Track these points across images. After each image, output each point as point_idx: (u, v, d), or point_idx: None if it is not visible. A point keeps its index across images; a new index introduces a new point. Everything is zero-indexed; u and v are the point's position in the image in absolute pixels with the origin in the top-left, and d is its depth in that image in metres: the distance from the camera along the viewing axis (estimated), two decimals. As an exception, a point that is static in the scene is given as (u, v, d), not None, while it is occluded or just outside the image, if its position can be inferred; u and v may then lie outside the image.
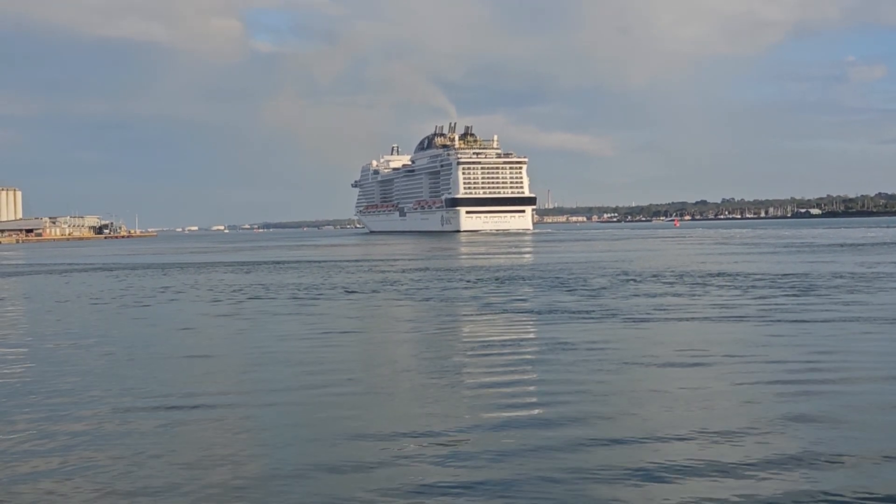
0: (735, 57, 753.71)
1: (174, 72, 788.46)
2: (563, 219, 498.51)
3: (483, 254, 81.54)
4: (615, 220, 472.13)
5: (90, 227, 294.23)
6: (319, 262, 71.22)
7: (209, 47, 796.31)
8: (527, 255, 76.91)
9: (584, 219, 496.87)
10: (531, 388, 16.08)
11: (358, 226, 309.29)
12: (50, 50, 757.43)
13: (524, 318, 27.09)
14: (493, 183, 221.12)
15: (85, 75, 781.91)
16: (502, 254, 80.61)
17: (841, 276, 39.89)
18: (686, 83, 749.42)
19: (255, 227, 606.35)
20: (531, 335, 23.31)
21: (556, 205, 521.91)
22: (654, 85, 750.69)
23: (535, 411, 14.03)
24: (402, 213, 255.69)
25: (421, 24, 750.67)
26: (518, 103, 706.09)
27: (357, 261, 72.04)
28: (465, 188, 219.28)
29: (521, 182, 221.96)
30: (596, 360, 18.56)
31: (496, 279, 43.81)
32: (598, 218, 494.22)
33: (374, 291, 38.53)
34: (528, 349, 20.70)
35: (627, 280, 41.00)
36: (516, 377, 17.15)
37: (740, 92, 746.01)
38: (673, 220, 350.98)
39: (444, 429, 13.00)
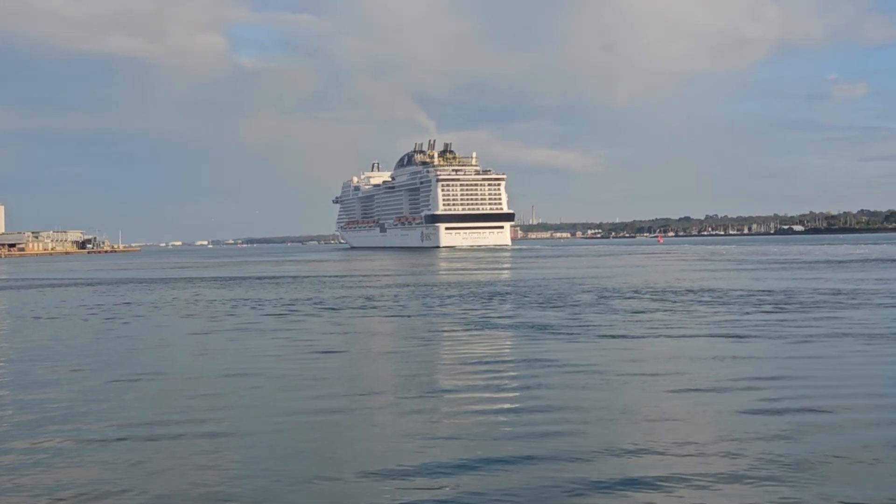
0: (718, 74, 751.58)
1: (158, 87, 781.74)
2: (546, 234, 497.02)
3: (463, 270, 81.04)
4: (599, 235, 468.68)
5: (73, 242, 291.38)
6: (301, 277, 70.42)
7: (193, 63, 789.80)
8: (508, 272, 76.45)
9: (568, 235, 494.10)
10: (511, 412, 15.40)
11: (341, 241, 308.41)
12: (33, 64, 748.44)
13: (504, 335, 26.50)
14: (471, 199, 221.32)
15: (69, 90, 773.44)
16: (483, 269, 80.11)
17: (834, 293, 39.59)
18: (670, 100, 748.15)
19: (239, 242, 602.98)
20: (511, 353, 22.69)
21: (539, 221, 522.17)
22: (638, 102, 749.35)
23: (517, 437, 13.37)
24: (383, 229, 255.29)
25: (406, 41, 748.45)
26: (502, 119, 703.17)
27: (339, 276, 71.31)
28: (444, 204, 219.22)
29: (500, 198, 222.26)
30: (575, 380, 18.00)
31: (475, 295, 43.23)
32: (582, 234, 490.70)
33: (354, 308, 37.83)
34: (508, 368, 20.02)
35: (609, 297, 40.53)
36: (495, 399, 16.55)
37: (724, 109, 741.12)
38: (657, 237, 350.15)
39: (427, 455, 12.38)
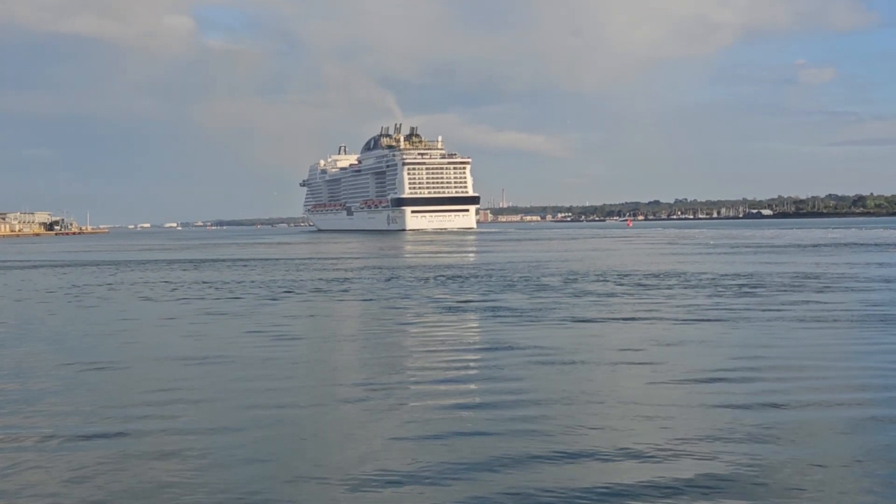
0: (687, 59, 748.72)
1: (126, 68, 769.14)
2: (517, 218, 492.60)
3: (430, 253, 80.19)
4: (569, 219, 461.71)
5: (41, 224, 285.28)
6: (269, 260, 69.19)
7: (161, 44, 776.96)
8: (476, 255, 75.72)
9: (539, 218, 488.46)
10: (479, 400, 14.62)
11: (310, 224, 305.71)
12: (0, 45, 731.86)
13: (471, 319, 25.76)
14: (437, 183, 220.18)
15: (35, 71, 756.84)
16: (450, 253, 79.32)
17: (808, 277, 39.22)
18: (638, 84, 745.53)
19: (209, 224, 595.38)
20: (479, 338, 21.90)
21: (510, 204, 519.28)
22: (607, 86, 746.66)
23: (485, 427, 12.61)
24: (350, 213, 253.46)
25: (375, 23, 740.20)
26: (472, 103, 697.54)
27: (306, 259, 70.13)
28: (410, 188, 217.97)
29: (465, 182, 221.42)
30: (540, 363, 17.46)
31: (442, 279, 42.41)
32: (553, 217, 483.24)
33: (321, 291, 36.87)
34: (476, 354, 19.27)
35: (579, 281, 39.91)
36: (461, 385, 15.80)
37: (692, 94, 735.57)
38: (626, 220, 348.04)
39: (394, 449, 11.57)
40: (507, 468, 10.64)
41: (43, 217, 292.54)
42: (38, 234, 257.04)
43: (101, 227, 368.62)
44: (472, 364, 18.07)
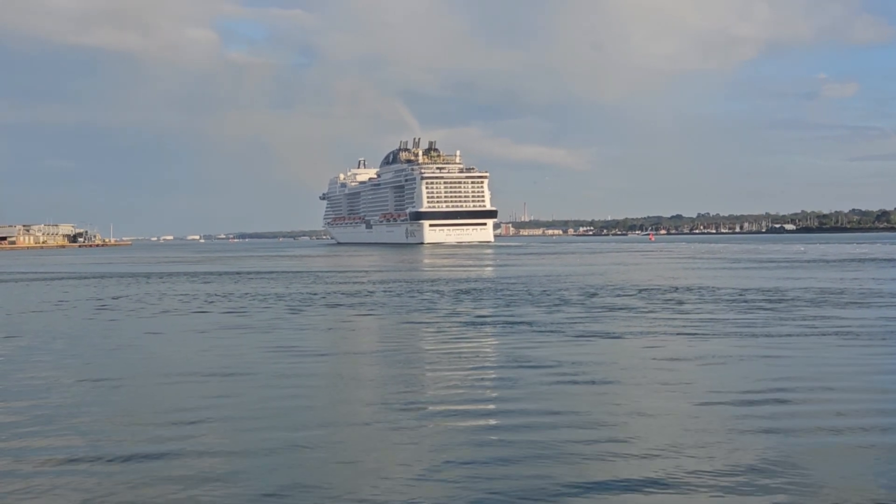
0: (708, 73, 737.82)
1: (149, 81, 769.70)
2: (538, 232, 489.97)
3: (449, 266, 79.90)
4: (591, 233, 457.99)
5: (64, 236, 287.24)
6: (290, 272, 69.10)
7: (184, 57, 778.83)
8: (496, 269, 75.33)
9: (561, 232, 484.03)
10: (499, 416, 14.29)
11: (330, 237, 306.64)
12: (23, 58, 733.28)
13: (488, 333, 25.40)
14: (455, 197, 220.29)
15: (59, 83, 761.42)
16: (469, 266, 79.00)
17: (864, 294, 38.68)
18: (659, 98, 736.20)
19: (231, 236, 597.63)
20: (496, 352, 21.53)
21: (532, 218, 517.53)
22: (628, 100, 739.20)
23: (501, 442, 12.29)
24: (369, 226, 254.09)
25: (396, 37, 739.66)
26: (492, 116, 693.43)
27: (326, 272, 70.01)
28: (428, 202, 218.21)
29: (483, 196, 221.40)
30: (560, 380, 17.13)
31: (461, 293, 42.08)
32: (574, 231, 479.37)
33: (340, 304, 36.63)
34: (492, 369, 18.90)
35: (603, 295, 39.46)
36: (482, 405, 15.49)
37: (714, 107, 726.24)
38: (648, 234, 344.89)
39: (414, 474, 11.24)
40: (527, 488, 10.34)
41: (67, 229, 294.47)
42: (62, 246, 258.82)
43: (125, 239, 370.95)
44: (492, 381, 17.70)
